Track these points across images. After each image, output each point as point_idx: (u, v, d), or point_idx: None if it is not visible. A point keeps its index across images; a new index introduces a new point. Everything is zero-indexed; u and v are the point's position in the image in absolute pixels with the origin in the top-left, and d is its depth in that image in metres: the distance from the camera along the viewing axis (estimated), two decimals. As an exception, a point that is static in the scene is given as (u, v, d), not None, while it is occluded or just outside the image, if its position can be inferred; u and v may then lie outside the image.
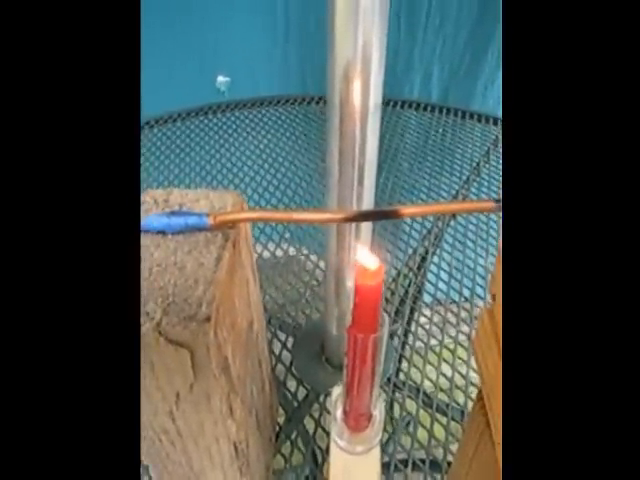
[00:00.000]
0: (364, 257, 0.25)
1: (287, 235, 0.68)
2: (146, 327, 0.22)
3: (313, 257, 0.65)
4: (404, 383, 0.50)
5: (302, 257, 0.66)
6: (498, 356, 0.28)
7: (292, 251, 0.68)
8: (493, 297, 0.29)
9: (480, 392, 0.30)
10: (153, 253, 0.26)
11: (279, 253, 0.66)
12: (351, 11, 0.29)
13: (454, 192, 0.75)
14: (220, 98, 1.23)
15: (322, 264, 0.65)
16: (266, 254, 0.66)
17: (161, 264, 0.25)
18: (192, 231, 0.27)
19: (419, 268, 0.64)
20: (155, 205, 0.29)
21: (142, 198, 0.30)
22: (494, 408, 0.28)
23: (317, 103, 0.97)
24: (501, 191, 0.70)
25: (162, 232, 0.27)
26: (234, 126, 0.92)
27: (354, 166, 0.35)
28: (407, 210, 0.23)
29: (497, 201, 0.23)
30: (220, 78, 1.25)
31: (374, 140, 0.35)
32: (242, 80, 1.21)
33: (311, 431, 0.45)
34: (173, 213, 0.27)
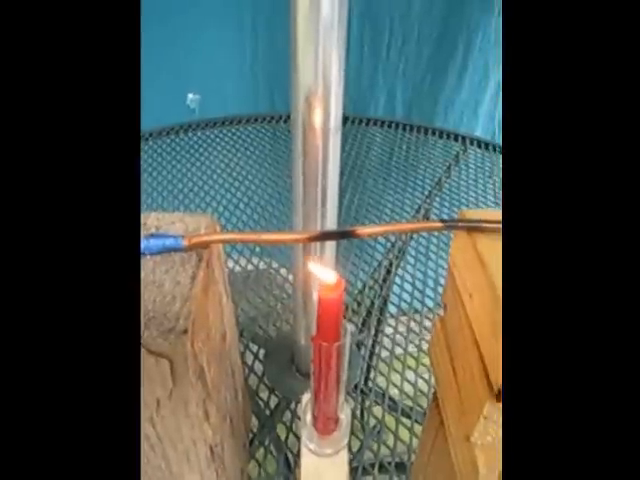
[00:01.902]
0: (323, 272, 0.28)
1: (257, 250, 0.71)
2: (129, 340, 0.24)
3: (283, 271, 0.68)
4: (371, 390, 0.53)
5: (272, 271, 0.69)
6: (448, 358, 0.31)
7: (262, 265, 0.70)
8: (445, 307, 0.32)
9: (435, 393, 0.33)
10: (133, 273, 0.28)
11: (250, 267, 0.69)
12: (310, 37, 0.31)
13: (417, 207, 0.79)
14: (191, 115, 1.25)
15: (291, 278, 0.68)
16: (237, 269, 0.68)
17: (141, 282, 0.28)
18: (169, 252, 0.29)
19: (384, 280, 0.67)
20: (133, 228, 0.31)
21: (121, 221, 0.32)
22: (446, 408, 0.30)
23: (285, 122, 1.00)
24: (465, 207, 0.73)
25: (141, 253, 0.29)
26: (205, 145, 0.94)
27: (317, 187, 0.38)
28: (364, 230, 0.26)
29: (443, 221, 0.26)
30: (190, 95, 1.27)
31: (336, 160, 0.38)
32: (211, 98, 1.24)
33: (283, 437, 0.48)
34: (152, 236, 0.29)
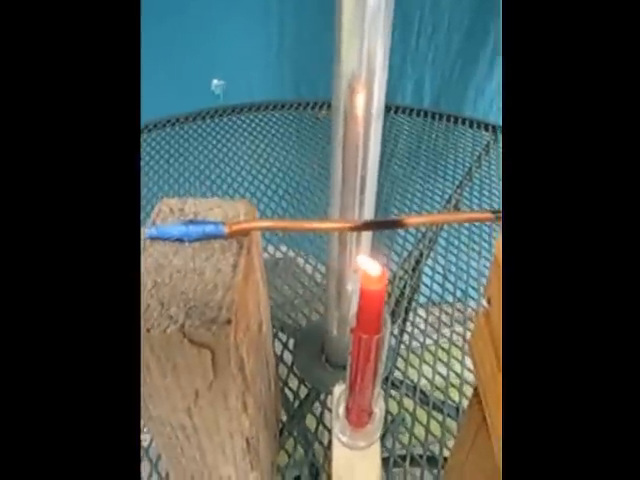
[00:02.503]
0: (368, 264, 0.27)
1: (286, 238, 0.70)
2: (171, 329, 0.24)
3: (311, 260, 0.67)
4: (401, 382, 0.52)
5: (301, 259, 0.68)
6: (494, 356, 0.30)
7: (291, 254, 0.69)
8: (489, 300, 0.31)
9: (476, 389, 0.32)
10: (172, 260, 0.28)
11: (278, 255, 0.68)
12: (357, 23, 0.30)
13: (447, 197, 0.77)
14: (215, 101, 1.24)
15: (320, 267, 0.67)
16: (265, 256, 0.68)
17: (181, 270, 0.27)
18: (209, 239, 0.28)
19: (414, 270, 0.66)
20: (171, 214, 0.31)
21: (158, 207, 0.31)
22: (490, 405, 0.29)
23: (312, 108, 0.99)
24: (497, 198, 0.72)
25: (180, 240, 0.28)
26: (231, 131, 0.93)
27: (357, 174, 0.37)
28: (411, 220, 0.25)
29: (494, 212, 0.25)
30: (215, 81, 1.26)
31: (376, 147, 0.36)
32: (237, 84, 1.23)
33: (312, 428, 0.47)
34: (191, 222, 0.28)
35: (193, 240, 0.28)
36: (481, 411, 0.31)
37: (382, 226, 0.26)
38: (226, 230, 0.28)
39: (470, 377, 0.52)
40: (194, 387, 0.26)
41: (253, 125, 0.95)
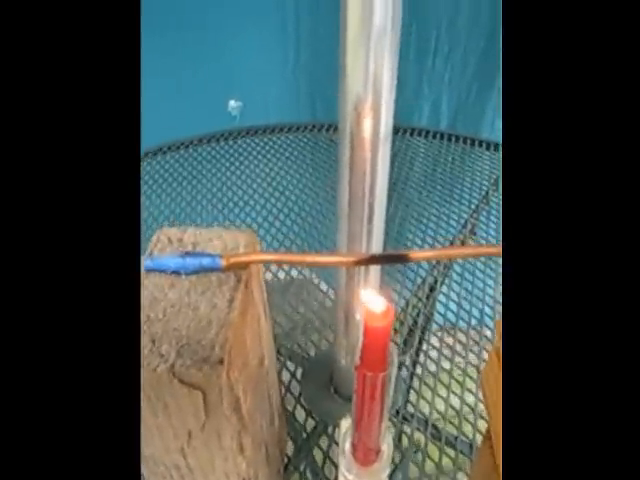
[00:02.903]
0: (372, 299, 0.26)
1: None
2: (160, 369, 0.22)
3: (323, 285, 0.66)
4: (412, 415, 0.50)
5: (312, 284, 0.67)
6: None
7: (302, 277, 0.68)
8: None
9: (488, 431, 0.30)
10: (167, 293, 0.27)
11: (281, 275, 0.67)
12: (362, 44, 0.29)
13: (463, 221, 0.76)
14: (232, 122, 1.25)
15: (331, 292, 0.65)
16: (275, 280, 0.67)
17: (175, 305, 0.26)
18: (205, 272, 0.27)
19: (428, 298, 0.64)
20: (169, 244, 0.30)
21: (157, 236, 0.31)
22: (501, 449, 0.28)
23: (327, 130, 0.98)
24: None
25: (176, 272, 0.27)
26: (245, 153, 0.93)
27: (364, 202, 0.36)
28: (416, 255, 0.24)
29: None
30: (232, 103, 1.27)
31: (384, 173, 0.35)
32: (253, 103, 1.24)
33: (320, 463, 0.46)
34: (188, 254, 0.27)
35: (190, 273, 0.27)
36: (492, 456, 0.29)
37: (387, 260, 0.25)
38: (223, 263, 0.27)
39: (484, 410, 0.50)
40: (187, 427, 0.25)
41: (267, 148, 0.94)
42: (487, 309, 0.62)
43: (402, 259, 0.24)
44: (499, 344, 0.30)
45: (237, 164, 0.90)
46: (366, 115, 0.32)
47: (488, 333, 0.60)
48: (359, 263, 0.25)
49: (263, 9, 1.14)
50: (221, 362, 0.23)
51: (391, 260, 0.25)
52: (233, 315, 0.25)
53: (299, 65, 1.20)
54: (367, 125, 0.32)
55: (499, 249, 0.25)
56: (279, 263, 0.28)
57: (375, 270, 0.40)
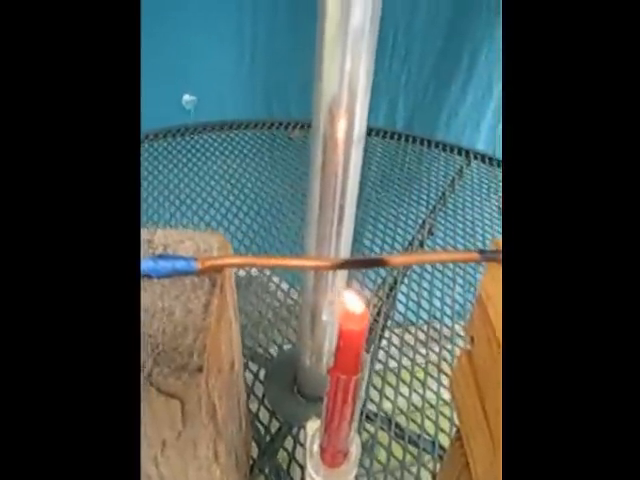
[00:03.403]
0: (350, 302, 0.26)
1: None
2: (137, 377, 0.22)
3: (284, 285, 0.66)
4: (376, 414, 0.51)
5: (273, 284, 0.66)
6: (477, 397, 0.29)
7: (262, 276, 0.68)
8: (471, 339, 0.30)
9: (458, 431, 0.31)
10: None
11: (241, 273, 0.66)
12: (339, 44, 0.29)
13: (421, 221, 0.77)
14: (186, 117, 1.22)
15: (292, 291, 0.65)
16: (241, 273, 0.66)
17: (148, 309, 0.25)
18: (179, 275, 0.27)
19: (388, 297, 0.64)
20: (139, 246, 0.29)
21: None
22: (474, 451, 0.28)
23: (285, 128, 0.98)
24: (470, 223, 0.71)
25: (148, 276, 0.27)
26: (202, 149, 0.91)
27: (335, 204, 0.35)
28: (394, 260, 0.24)
29: (481, 252, 0.24)
30: (186, 97, 1.24)
31: (356, 175, 0.35)
32: (208, 100, 1.21)
33: (285, 465, 0.45)
34: (160, 257, 0.26)
35: (163, 276, 0.27)
36: (464, 456, 0.30)
37: (363, 265, 0.25)
38: (198, 266, 0.26)
39: (445, 408, 0.51)
40: (161, 437, 0.24)
41: (225, 144, 0.93)
42: (446, 308, 0.63)
43: (379, 263, 0.24)
44: (470, 347, 0.30)
45: (194, 160, 0.88)
46: (341, 116, 0.32)
47: (446, 331, 0.61)
48: (335, 267, 0.25)
49: (220, 4, 1.12)
50: (200, 370, 0.22)
51: (367, 265, 0.25)
52: (209, 321, 0.24)
53: (255, 61, 1.18)
54: (341, 126, 0.32)
55: (475, 255, 0.25)
56: (255, 266, 0.28)
57: (342, 273, 0.40)
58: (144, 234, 0.30)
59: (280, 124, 0.99)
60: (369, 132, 0.98)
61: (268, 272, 0.67)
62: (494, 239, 0.26)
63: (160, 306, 0.25)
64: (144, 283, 0.27)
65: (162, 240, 0.30)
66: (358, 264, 0.25)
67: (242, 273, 0.68)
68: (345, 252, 0.38)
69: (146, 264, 0.27)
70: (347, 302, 0.26)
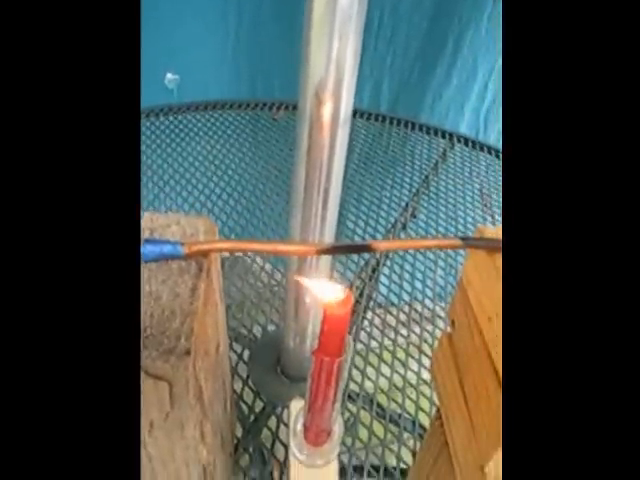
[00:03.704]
0: (331, 288, 0.27)
1: (233, 237, 0.68)
2: (125, 360, 0.22)
3: (267, 266, 0.66)
4: (357, 395, 0.52)
5: (256, 266, 0.66)
6: (457, 379, 0.30)
7: (246, 258, 0.68)
8: (452, 323, 0.31)
9: (438, 411, 0.32)
10: (127, 281, 0.26)
11: (224, 254, 0.66)
12: (326, 27, 0.29)
13: (404, 204, 0.77)
14: (169, 96, 1.21)
15: (276, 273, 0.66)
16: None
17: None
18: (166, 259, 0.27)
19: (370, 279, 0.65)
20: (125, 230, 0.29)
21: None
22: (452, 430, 0.29)
23: (269, 109, 0.97)
24: (452, 206, 0.72)
25: (135, 260, 0.27)
26: (186, 130, 0.91)
27: (320, 187, 0.36)
28: (380, 245, 0.24)
29: (464, 239, 0.24)
30: (169, 76, 1.23)
31: (341, 158, 0.36)
32: (191, 79, 1.20)
33: (269, 444, 0.46)
34: (147, 241, 0.27)
35: (150, 261, 0.27)
36: (443, 435, 0.31)
37: (349, 250, 0.25)
38: (185, 251, 0.26)
39: (425, 388, 0.52)
40: (149, 418, 0.25)
41: (209, 125, 0.92)
42: (427, 289, 0.64)
43: (365, 249, 0.25)
44: (450, 330, 0.31)
45: (178, 140, 0.88)
46: (327, 99, 0.32)
47: (427, 312, 0.62)
48: (321, 252, 0.26)
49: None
50: (188, 353, 0.22)
51: (352, 250, 0.25)
52: (196, 305, 0.25)
53: (240, 41, 1.17)
54: (327, 109, 0.32)
55: (457, 242, 0.25)
56: (242, 251, 0.28)
57: (327, 256, 0.40)
58: (130, 218, 0.30)
59: (264, 105, 0.98)
60: (353, 114, 0.98)
61: (252, 255, 0.67)
62: (478, 226, 0.27)
63: (147, 290, 0.25)
64: (131, 267, 0.27)
65: (148, 224, 0.30)
66: (343, 249, 0.25)
67: (225, 254, 0.68)
68: (329, 236, 0.38)
69: (133, 248, 0.27)
70: (328, 290, 0.26)
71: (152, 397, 0.23)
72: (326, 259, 0.40)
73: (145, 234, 0.29)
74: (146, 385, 0.23)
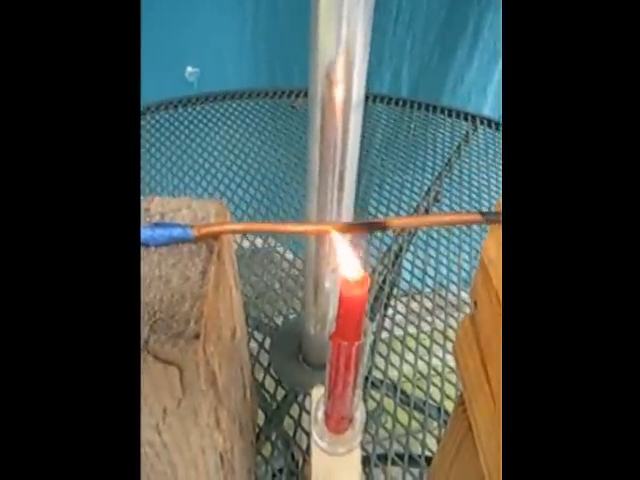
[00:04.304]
0: (348, 269, 0.26)
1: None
2: (134, 345, 0.22)
3: (289, 254, 0.65)
4: (381, 381, 0.51)
5: (277, 254, 0.66)
6: (480, 361, 0.28)
7: (267, 247, 0.67)
8: (475, 304, 0.30)
9: (461, 395, 0.31)
10: (137, 266, 0.25)
11: (246, 244, 0.66)
12: (335, 8, 0.28)
13: (426, 188, 0.76)
14: (189, 89, 1.21)
15: (298, 260, 0.65)
16: (245, 244, 0.66)
17: (146, 278, 0.25)
18: (176, 243, 0.26)
19: (393, 265, 0.64)
20: (136, 215, 0.29)
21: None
22: (476, 414, 0.28)
23: (288, 97, 0.96)
24: (476, 189, 0.70)
25: (145, 244, 0.26)
26: (205, 120, 0.90)
27: (335, 169, 0.35)
28: (395, 222, 0.23)
29: (483, 214, 0.23)
30: (189, 69, 1.23)
31: (355, 141, 0.35)
32: (211, 71, 1.20)
33: (291, 432, 0.46)
34: (157, 225, 0.26)
35: (159, 244, 0.26)
36: (466, 420, 0.30)
37: (364, 229, 0.24)
38: (195, 233, 0.26)
39: (451, 375, 0.51)
40: (162, 404, 0.24)
41: (227, 114, 0.92)
42: (452, 275, 0.62)
43: (380, 227, 0.24)
44: (474, 312, 0.30)
45: (197, 131, 0.88)
46: (338, 82, 0.31)
47: (452, 298, 0.61)
48: (337, 232, 0.25)
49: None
50: (197, 337, 0.22)
51: (369, 228, 0.24)
52: (207, 288, 0.24)
53: (258, 30, 1.16)
54: (339, 92, 0.31)
55: (477, 217, 0.24)
56: (252, 232, 0.27)
57: (345, 238, 0.39)
58: (142, 203, 0.30)
59: (283, 93, 0.97)
60: (374, 99, 0.97)
61: (272, 243, 0.67)
62: (497, 201, 0.26)
63: (157, 274, 0.25)
64: (142, 251, 0.26)
65: (159, 208, 0.29)
66: (357, 228, 0.24)
67: (246, 244, 0.67)
68: (347, 219, 0.37)
69: (143, 232, 0.26)
70: (345, 270, 0.26)
71: (163, 383, 0.23)
72: (344, 242, 0.39)
73: (156, 218, 0.28)
74: (155, 370, 0.22)
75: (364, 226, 0.24)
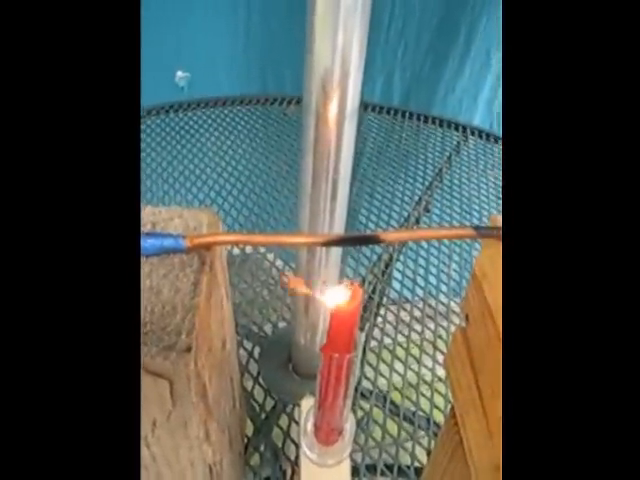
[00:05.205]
0: (339, 288, 0.26)
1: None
2: (124, 357, 0.21)
3: (279, 262, 0.65)
4: (371, 392, 0.51)
5: (267, 262, 0.66)
6: (472, 376, 0.28)
7: (257, 254, 0.67)
8: (466, 317, 0.30)
9: (453, 408, 0.31)
10: (127, 276, 0.25)
11: (235, 251, 0.66)
12: (331, 17, 0.28)
13: (417, 198, 0.76)
14: (179, 94, 1.20)
15: (287, 269, 0.65)
16: (235, 251, 0.66)
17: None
18: (168, 253, 0.26)
19: (383, 274, 0.64)
20: (127, 224, 0.28)
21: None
22: (467, 429, 0.28)
23: (280, 104, 0.96)
24: (467, 200, 0.71)
25: (136, 254, 0.26)
26: (196, 126, 0.90)
27: (327, 179, 0.35)
28: (388, 236, 0.23)
29: (477, 228, 0.23)
30: (179, 73, 1.22)
31: (349, 150, 0.34)
32: (202, 76, 1.19)
33: (280, 443, 0.45)
34: (148, 235, 0.26)
35: (151, 255, 0.26)
36: (457, 434, 0.30)
37: (356, 242, 0.24)
38: (187, 244, 0.25)
39: (440, 385, 0.51)
40: (151, 417, 0.24)
41: (219, 120, 0.92)
42: (441, 284, 0.62)
43: (373, 240, 0.24)
44: (464, 325, 0.30)
45: (188, 137, 0.87)
46: (333, 92, 0.31)
47: (442, 308, 0.61)
48: (328, 244, 0.25)
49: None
50: (188, 350, 0.22)
51: (360, 242, 0.24)
52: (198, 300, 0.24)
53: (250, 36, 1.16)
54: (334, 102, 0.31)
55: (470, 232, 0.24)
56: (244, 243, 0.27)
57: (336, 249, 0.39)
58: (132, 211, 0.29)
59: (275, 100, 0.97)
60: (365, 107, 0.97)
61: (263, 250, 0.66)
62: (491, 215, 0.26)
63: (148, 285, 0.25)
64: (132, 261, 0.26)
65: (150, 218, 0.29)
66: (350, 241, 0.24)
67: (236, 251, 0.67)
68: (339, 229, 0.37)
69: (134, 242, 0.26)
70: (335, 291, 0.25)
71: (153, 395, 0.22)
72: (336, 254, 0.39)
73: (147, 227, 0.28)
74: (145, 382, 0.22)
75: (358, 240, 0.23)
